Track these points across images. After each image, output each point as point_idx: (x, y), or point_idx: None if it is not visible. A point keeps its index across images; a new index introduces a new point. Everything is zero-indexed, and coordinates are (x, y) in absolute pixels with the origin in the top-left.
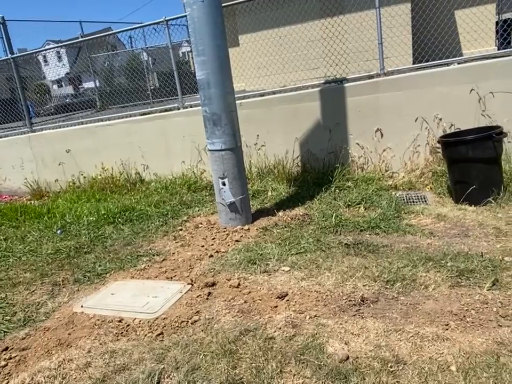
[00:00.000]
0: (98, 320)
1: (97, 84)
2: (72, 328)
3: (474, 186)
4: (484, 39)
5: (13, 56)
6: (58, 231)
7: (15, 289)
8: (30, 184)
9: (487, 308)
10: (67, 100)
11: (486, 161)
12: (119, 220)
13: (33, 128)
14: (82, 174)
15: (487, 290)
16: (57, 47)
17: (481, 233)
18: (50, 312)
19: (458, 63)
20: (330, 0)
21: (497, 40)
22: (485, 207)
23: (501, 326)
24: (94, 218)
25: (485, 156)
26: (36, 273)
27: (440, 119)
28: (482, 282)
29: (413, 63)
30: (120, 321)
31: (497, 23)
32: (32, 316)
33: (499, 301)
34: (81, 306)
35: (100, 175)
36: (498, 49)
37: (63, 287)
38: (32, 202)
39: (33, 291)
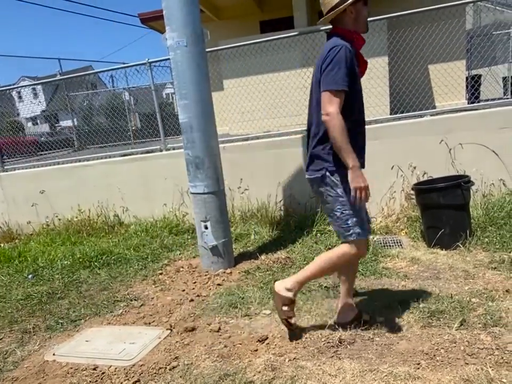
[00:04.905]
0: (71, 368)
1: (75, 123)
2: (43, 377)
3: (445, 231)
4: (454, 93)
5: None
6: (30, 276)
7: None
8: None
9: (455, 346)
10: (42, 139)
11: (455, 208)
12: (96, 263)
13: (5, 167)
14: (57, 216)
15: (456, 330)
16: (34, 84)
17: (451, 276)
18: (19, 361)
19: (431, 115)
20: (312, 51)
21: (466, 94)
22: (455, 251)
23: (467, 363)
24: (69, 262)
25: (454, 202)
26: (4, 320)
27: (414, 167)
28: (451, 323)
29: (390, 113)
30: (94, 369)
31: (467, 78)
32: None
33: (466, 340)
34: (53, 354)
35: (76, 217)
36: (468, 103)
37: (34, 335)
38: (2, 245)
39: (0, 339)
